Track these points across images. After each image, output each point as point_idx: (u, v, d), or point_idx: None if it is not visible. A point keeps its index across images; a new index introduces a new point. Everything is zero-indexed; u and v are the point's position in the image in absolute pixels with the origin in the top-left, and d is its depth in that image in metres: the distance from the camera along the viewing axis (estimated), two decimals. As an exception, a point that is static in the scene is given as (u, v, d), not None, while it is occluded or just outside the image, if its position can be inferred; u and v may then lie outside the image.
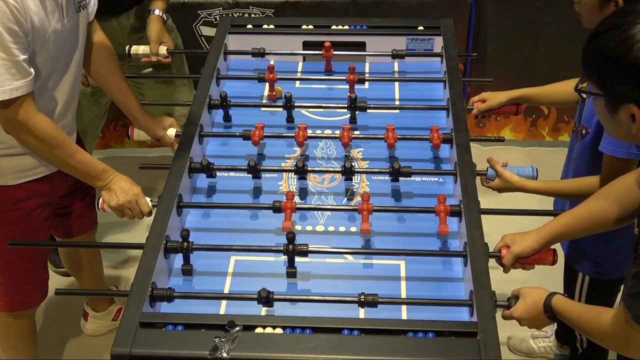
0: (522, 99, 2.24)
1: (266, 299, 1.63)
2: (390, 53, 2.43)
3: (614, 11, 1.43)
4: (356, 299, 1.63)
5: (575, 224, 1.71)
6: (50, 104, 1.97)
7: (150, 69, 2.71)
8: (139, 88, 2.77)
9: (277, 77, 2.31)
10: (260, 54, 2.44)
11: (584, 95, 1.47)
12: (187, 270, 1.80)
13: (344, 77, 2.32)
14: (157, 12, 2.52)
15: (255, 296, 1.65)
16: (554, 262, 1.74)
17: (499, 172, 2.00)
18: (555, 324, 2.55)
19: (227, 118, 2.27)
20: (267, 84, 2.36)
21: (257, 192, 2.05)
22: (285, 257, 1.77)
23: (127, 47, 2.51)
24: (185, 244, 1.76)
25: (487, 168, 2.02)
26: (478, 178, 1.97)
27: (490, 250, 1.73)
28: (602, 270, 2.09)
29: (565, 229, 1.71)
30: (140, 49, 2.50)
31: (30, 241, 2.12)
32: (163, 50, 2.50)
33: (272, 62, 2.39)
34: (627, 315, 1.39)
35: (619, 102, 1.37)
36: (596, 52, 1.38)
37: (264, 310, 1.69)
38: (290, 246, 1.73)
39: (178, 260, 1.84)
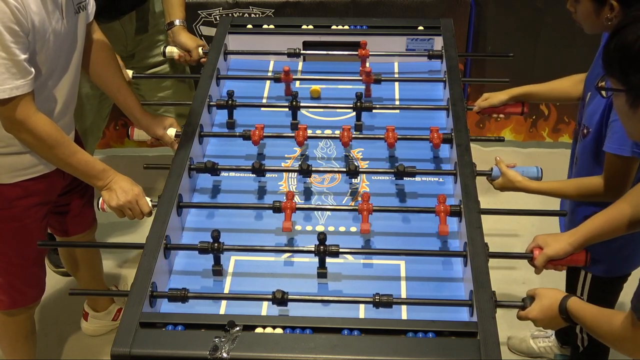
0: (524, 96, 2.23)
1: (281, 299, 1.63)
2: (427, 53, 2.45)
3: (635, 7, 1.44)
4: (371, 299, 1.63)
5: (607, 226, 1.71)
6: (49, 104, 1.97)
7: (152, 70, 2.72)
8: (138, 90, 2.77)
9: (293, 78, 2.32)
10: (296, 54, 2.44)
11: (604, 94, 1.48)
12: (218, 271, 1.79)
13: (346, 77, 2.33)
14: (178, 22, 2.54)
15: (255, 296, 1.65)
16: (586, 263, 1.75)
17: (503, 171, 2.00)
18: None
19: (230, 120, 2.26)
20: (267, 82, 2.39)
21: (257, 192, 2.05)
22: (285, 256, 1.78)
23: (162, 48, 2.58)
24: (216, 244, 1.76)
25: (492, 167, 2.03)
26: (479, 178, 1.97)
27: (524, 251, 1.77)
28: (604, 268, 2.09)
29: (599, 230, 1.72)
30: (174, 51, 2.55)
31: (48, 241, 2.12)
32: (201, 52, 2.53)
33: (286, 66, 2.36)
34: (634, 316, 1.39)
35: None
36: (618, 47, 1.40)
37: (264, 310, 1.69)
38: (322, 247, 1.73)
39: (178, 260, 1.85)
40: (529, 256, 1.75)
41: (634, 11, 1.43)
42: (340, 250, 1.74)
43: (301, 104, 2.23)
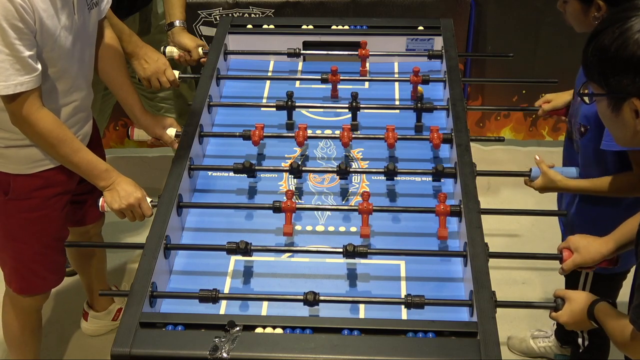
0: None
1: (312, 301, 1.63)
2: (427, 53, 2.45)
3: (610, 12, 1.46)
4: (403, 300, 1.63)
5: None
6: (66, 99, 1.99)
7: None
8: (140, 89, 2.77)
9: (341, 78, 2.31)
10: (296, 54, 2.44)
11: (587, 100, 1.49)
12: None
13: (346, 78, 2.33)
14: (178, 23, 2.54)
15: (254, 296, 1.65)
16: (615, 264, 1.77)
17: (544, 171, 2.02)
18: (555, 323, 2.55)
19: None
20: (267, 82, 2.40)
21: (257, 192, 2.05)
22: (285, 256, 1.80)
23: (162, 47, 2.54)
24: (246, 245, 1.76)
25: (531, 168, 2.05)
26: (479, 178, 1.97)
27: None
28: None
29: (630, 238, 1.70)
30: (174, 51, 2.54)
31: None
32: (201, 52, 2.53)
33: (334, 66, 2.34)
34: (633, 328, 1.41)
35: (622, 99, 1.37)
36: (595, 50, 1.40)
37: (264, 310, 1.69)
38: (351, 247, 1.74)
39: (178, 260, 1.85)
40: (559, 256, 1.77)
41: (612, 14, 1.43)
42: (333, 250, 1.75)
43: (300, 104, 2.23)
